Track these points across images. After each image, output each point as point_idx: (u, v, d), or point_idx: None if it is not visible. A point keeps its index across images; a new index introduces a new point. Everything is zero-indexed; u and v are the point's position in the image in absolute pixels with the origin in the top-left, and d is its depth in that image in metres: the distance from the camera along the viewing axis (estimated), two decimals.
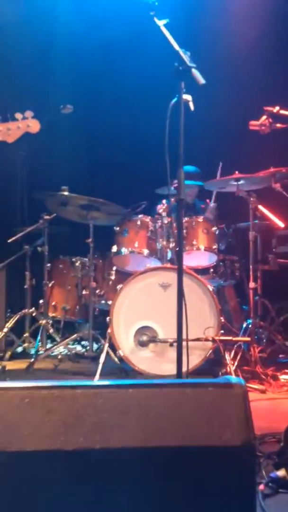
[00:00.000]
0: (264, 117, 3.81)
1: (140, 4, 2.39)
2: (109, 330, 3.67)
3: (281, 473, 1.91)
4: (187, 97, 2.28)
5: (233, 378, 1.41)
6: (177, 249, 2.49)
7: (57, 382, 1.39)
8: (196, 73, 2.23)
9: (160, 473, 1.37)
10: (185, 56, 2.22)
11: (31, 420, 1.29)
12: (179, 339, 2.34)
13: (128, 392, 1.41)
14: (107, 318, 3.72)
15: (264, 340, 4.15)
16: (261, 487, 1.86)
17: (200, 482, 1.31)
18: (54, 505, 1.33)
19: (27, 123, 3.33)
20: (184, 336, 3.24)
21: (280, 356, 4.16)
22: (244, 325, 3.99)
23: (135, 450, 1.33)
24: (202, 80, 2.23)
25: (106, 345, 3.66)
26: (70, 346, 4.45)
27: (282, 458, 1.96)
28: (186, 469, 1.36)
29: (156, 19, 2.34)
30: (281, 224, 3.93)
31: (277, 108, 3.80)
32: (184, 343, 3.48)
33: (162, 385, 1.39)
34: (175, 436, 1.36)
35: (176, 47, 2.26)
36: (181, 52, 2.23)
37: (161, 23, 2.33)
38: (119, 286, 3.77)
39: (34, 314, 4.50)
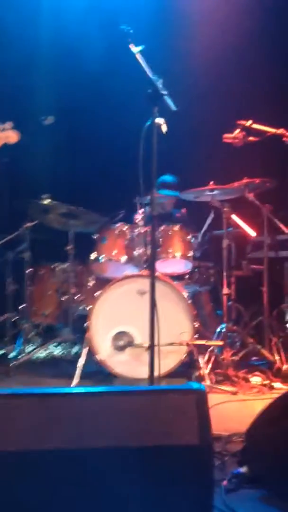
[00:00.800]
0: (237, 130, 4.00)
1: (117, 31, 2.53)
2: (87, 335, 3.80)
3: (243, 469, 2.07)
4: (159, 120, 2.43)
5: (195, 384, 1.57)
6: (150, 261, 2.62)
7: (39, 390, 1.53)
8: (167, 99, 2.38)
9: (129, 470, 1.52)
10: (158, 83, 2.37)
11: (12, 423, 1.43)
12: (152, 345, 2.49)
13: (101, 398, 1.57)
14: (86, 323, 3.85)
15: (238, 344, 4.32)
16: (224, 482, 2.02)
17: (163, 477, 1.47)
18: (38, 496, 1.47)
19: (6, 134, 3.46)
20: (157, 341, 3.42)
21: (253, 358, 4.34)
22: (218, 330, 4.16)
23: (106, 449, 1.48)
24: (173, 107, 2.38)
25: (85, 349, 3.79)
26: (49, 350, 4.57)
27: (244, 456, 2.12)
28: (151, 466, 1.51)
29: (131, 46, 2.48)
30: (252, 233, 4.11)
31: (250, 122, 3.98)
32: (156, 348, 3.67)
33: (130, 392, 1.54)
34: (142, 437, 1.51)
35: (150, 74, 2.41)
36: (153, 79, 2.38)
37: (136, 49, 2.48)
38: (97, 293, 3.90)
39: (15, 319, 4.61)
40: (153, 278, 2.54)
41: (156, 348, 3.65)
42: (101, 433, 1.50)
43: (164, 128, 2.44)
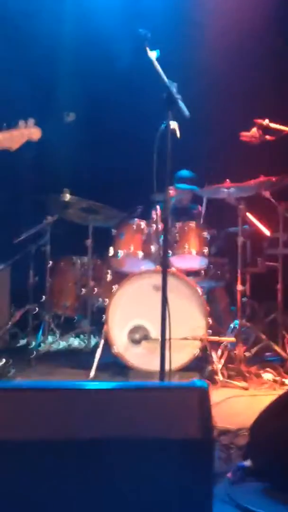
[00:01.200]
0: (254, 129, 4.05)
1: (134, 35, 2.62)
2: (104, 328, 3.93)
3: (247, 463, 2.18)
4: (174, 124, 2.51)
5: (198, 382, 1.67)
6: (162, 257, 2.71)
7: (52, 384, 1.66)
8: (181, 104, 2.46)
9: (135, 460, 1.64)
10: (172, 87, 2.45)
11: (38, 414, 1.56)
12: (163, 340, 2.60)
13: (108, 394, 1.68)
14: (103, 316, 3.98)
15: (251, 340, 4.40)
16: (229, 475, 2.13)
17: (167, 468, 1.58)
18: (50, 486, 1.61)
19: (30, 131, 3.56)
20: (171, 336, 3.52)
21: (266, 354, 4.42)
22: (232, 326, 4.25)
23: (117, 440, 1.60)
24: (186, 113, 2.46)
25: (102, 341, 3.92)
26: (69, 341, 4.72)
27: (248, 450, 2.22)
28: (156, 457, 1.63)
29: (148, 50, 2.57)
30: (267, 232, 4.17)
31: (267, 121, 4.03)
32: (171, 342, 3.77)
33: (137, 388, 1.65)
34: (148, 430, 1.62)
35: (164, 78, 2.49)
36: (168, 83, 2.46)
37: (152, 54, 2.56)
38: (114, 287, 4.03)
39: (36, 310, 4.78)
40: (164, 274, 2.64)
41: (169, 342, 3.80)
42: (109, 425, 1.61)
43: (178, 133, 2.52)
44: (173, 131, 2.50)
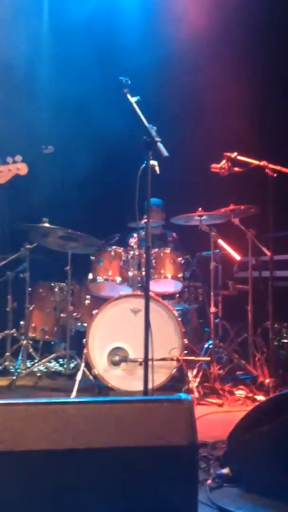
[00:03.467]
0: (224, 161, 4.36)
1: (115, 81, 2.88)
2: (85, 351, 4.09)
3: (225, 470, 2.37)
4: (153, 162, 2.77)
5: (183, 395, 1.88)
6: (145, 284, 2.92)
7: (50, 399, 1.83)
8: (160, 146, 2.72)
9: (126, 467, 1.82)
10: (152, 131, 2.70)
11: (32, 427, 1.73)
12: (146, 360, 2.78)
13: (105, 406, 1.87)
14: (83, 340, 4.14)
15: (224, 359, 4.63)
16: (209, 481, 2.32)
17: (155, 473, 1.77)
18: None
19: (17, 166, 3.80)
20: (150, 357, 3.71)
21: (238, 373, 4.65)
22: (206, 346, 4.48)
23: (109, 449, 1.78)
24: (165, 153, 2.72)
25: (82, 364, 4.08)
26: (48, 365, 4.84)
27: (226, 459, 2.42)
28: (145, 463, 1.81)
29: (128, 96, 2.82)
30: (237, 257, 4.44)
31: (235, 154, 4.34)
32: (150, 363, 3.96)
33: (129, 401, 1.85)
34: (138, 439, 1.81)
35: (145, 123, 2.74)
36: (148, 127, 2.72)
37: (132, 99, 2.81)
38: (94, 311, 4.20)
39: (15, 335, 4.89)
40: (147, 299, 2.84)
41: (150, 363, 3.98)
42: (101, 436, 1.79)
43: (157, 169, 2.77)
44: (153, 168, 2.75)
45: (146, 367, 2.82)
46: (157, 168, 2.77)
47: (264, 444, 2.26)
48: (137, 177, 2.77)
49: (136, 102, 2.80)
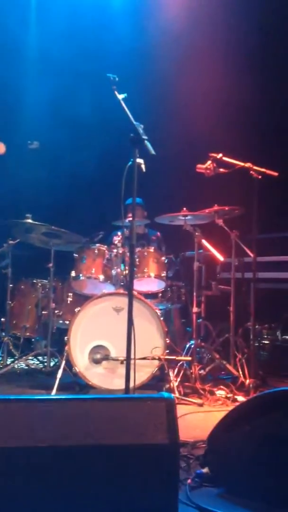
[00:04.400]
0: (209, 161, 4.37)
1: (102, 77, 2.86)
2: (66, 348, 4.06)
3: (205, 470, 2.37)
4: (140, 161, 2.75)
5: (165, 394, 1.87)
6: (128, 282, 2.91)
7: (29, 396, 1.81)
8: (147, 144, 2.71)
9: (110, 464, 1.81)
10: (139, 129, 2.69)
11: (10, 423, 1.71)
12: (128, 359, 2.78)
13: (86, 404, 1.86)
14: (65, 337, 4.11)
15: (206, 359, 4.64)
16: (189, 481, 2.32)
17: (137, 471, 1.76)
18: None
19: None
20: (132, 356, 3.70)
21: (220, 373, 4.67)
22: (187, 346, 4.49)
23: (89, 447, 1.77)
24: (152, 151, 2.71)
25: (63, 362, 4.05)
26: (28, 362, 4.80)
27: (206, 459, 2.43)
28: (127, 461, 1.80)
29: (116, 93, 2.81)
30: (220, 258, 4.46)
31: (220, 155, 4.36)
32: (132, 361, 3.95)
33: (111, 399, 1.84)
34: (119, 437, 1.80)
35: (132, 120, 2.73)
36: (136, 125, 2.70)
37: (120, 96, 2.80)
38: (77, 309, 4.18)
39: None
40: (130, 297, 2.83)
41: (132, 362, 3.97)
42: (85, 433, 1.78)
43: (143, 168, 2.76)
44: (139, 166, 2.74)
45: (128, 366, 2.80)
46: (143, 167, 2.76)
47: (244, 444, 2.26)
48: (123, 175, 2.75)
49: (124, 99, 2.79)
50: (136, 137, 2.68)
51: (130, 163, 2.74)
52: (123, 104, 2.77)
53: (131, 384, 3.66)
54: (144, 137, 2.69)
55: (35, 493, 1.74)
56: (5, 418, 1.69)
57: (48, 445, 1.70)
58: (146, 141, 2.69)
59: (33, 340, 5.02)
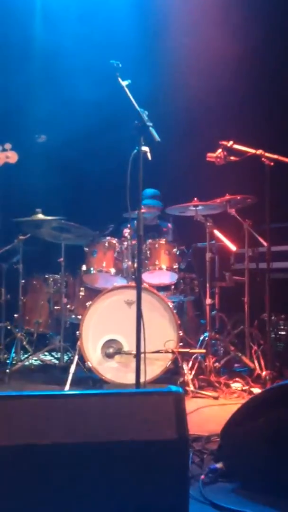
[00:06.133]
0: (219, 150, 4.27)
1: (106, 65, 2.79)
2: (78, 343, 4.02)
3: (219, 465, 2.31)
4: (145, 148, 2.68)
5: (173, 388, 1.81)
6: (136, 275, 2.85)
7: (38, 392, 1.76)
8: (152, 131, 2.63)
9: (115, 461, 1.75)
10: (143, 115, 2.62)
11: (16, 420, 1.66)
12: (138, 353, 2.72)
13: (91, 400, 1.80)
14: (77, 332, 4.07)
15: (221, 351, 4.57)
16: (202, 477, 2.26)
17: (147, 467, 1.70)
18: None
19: (6, 155, 3.72)
20: (144, 349, 3.65)
21: (236, 365, 4.59)
22: (201, 338, 4.41)
23: (97, 444, 1.72)
24: (157, 138, 2.63)
25: (76, 357, 4.01)
26: (42, 357, 4.78)
27: (220, 453, 2.36)
28: (136, 457, 1.75)
29: (120, 80, 2.74)
30: (233, 248, 4.37)
31: (231, 142, 4.25)
32: (143, 355, 3.90)
33: (119, 394, 1.78)
34: (127, 433, 1.74)
35: (136, 107, 2.66)
36: (140, 111, 2.63)
37: (124, 83, 2.73)
38: (88, 303, 4.13)
39: (9, 327, 4.82)
40: (139, 291, 2.77)
41: (143, 355, 3.92)
42: (91, 430, 1.72)
43: (149, 156, 2.68)
44: (145, 154, 2.66)
45: (139, 360, 2.75)
46: (149, 155, 2.68)
47: (258, 438, 2.19)
48: (128, 163, 2.68)
49: (127, 86, 2.72)
50: (141, 124, 2.61)
51: (135, 151, 2.67)
52: (127, 91, 2.70)
53: (143, 379, 3.62)
54: (149, 123, 2.61)
55: (42, 490, 1.69)
56: (6, 415, 1.65)
57: (52, 442, 1.65)
58: (151, 128, 2.61)
59: (47, 335, 4.99)
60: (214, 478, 2.27)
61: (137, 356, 2.78)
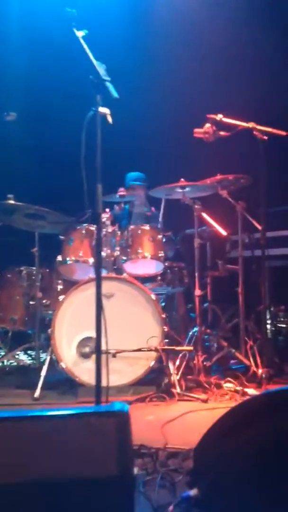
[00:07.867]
0: (207, 124, 3.83)
1: (61, 14, 2.35)
2: (51, 342, 3.62)
3: (193, 492, 1.88)
4: (104, 110, 2.24)
5: (117, 405, 1.38)
6: (96, 265, 2.44)
7: None
8: (109, 86, 2.19)
9: (45, 505, 1.33)
10: (100, 69, 2.18)
11: None
12: (98, 353, 2.32)
13: (18, 423, 1.38)
14: (49, 330, 3.66)
15: (214, 347, 4.13)
16: (170, 508, 1.84)
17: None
18: None
19: None
20: (125, 347, 3.24)
21: (232, 361, 4.15)
22: (190, 333, 3.98)
23: (14, 485, 1.30)
24: (114, 94, 2.19)
25: (48, 357, 3.61)
26: (18, 358, 4.38)
27: (193, 477, 1.93)
28: (70, 500, 1.33)
29: (75, 30, 2.30)
30: (223, 233, 3.93)
31: (220, 116, 3.81)
32: (124, 354, 3.50)
33: (41, 417, 1.35)
34: (60, 468, 1.32)
35: (92, 59, 2.22)
36: (96, 64, 2.20)
37: (79, 34, 2.29)
38: (61, 297, 3.72)
39: None
40: (99, 282, 2.36)
41: (123, 354, 3.50)
42: (15, 465, 1.31)
43: (109, 119, 2.25)
44: (104, 116, 2.23)
45: (99, 363, 2.33)
46: (109, 117, 2.24)
47: (238, 460, 1.76)
48: (83, 129, 2.24)
49: (84, 37, 2.28)
50: (96, 80, 2.17)
51: (91, 112, 2.23)
52: (83, 42, 2.26)
53: (124, 381, 3.23)
54: (106, 78, 2.17)
55: None
56: None
57: None
58: (107, 83, 2.17)
59: (26, 333, 4.59)
60: (186, 509, 1.85)
61: (97, 357, 2.36)
